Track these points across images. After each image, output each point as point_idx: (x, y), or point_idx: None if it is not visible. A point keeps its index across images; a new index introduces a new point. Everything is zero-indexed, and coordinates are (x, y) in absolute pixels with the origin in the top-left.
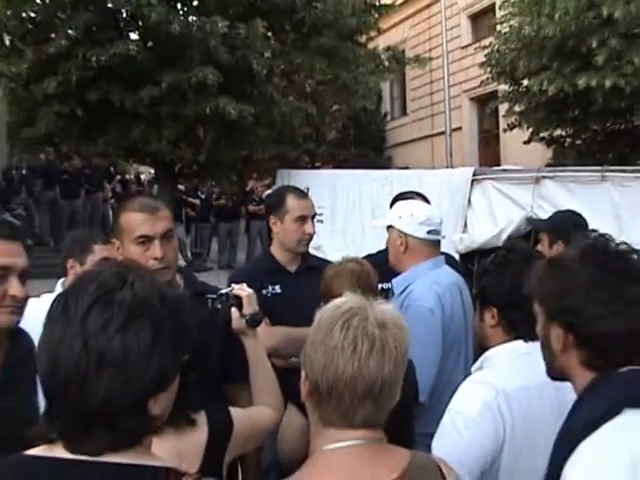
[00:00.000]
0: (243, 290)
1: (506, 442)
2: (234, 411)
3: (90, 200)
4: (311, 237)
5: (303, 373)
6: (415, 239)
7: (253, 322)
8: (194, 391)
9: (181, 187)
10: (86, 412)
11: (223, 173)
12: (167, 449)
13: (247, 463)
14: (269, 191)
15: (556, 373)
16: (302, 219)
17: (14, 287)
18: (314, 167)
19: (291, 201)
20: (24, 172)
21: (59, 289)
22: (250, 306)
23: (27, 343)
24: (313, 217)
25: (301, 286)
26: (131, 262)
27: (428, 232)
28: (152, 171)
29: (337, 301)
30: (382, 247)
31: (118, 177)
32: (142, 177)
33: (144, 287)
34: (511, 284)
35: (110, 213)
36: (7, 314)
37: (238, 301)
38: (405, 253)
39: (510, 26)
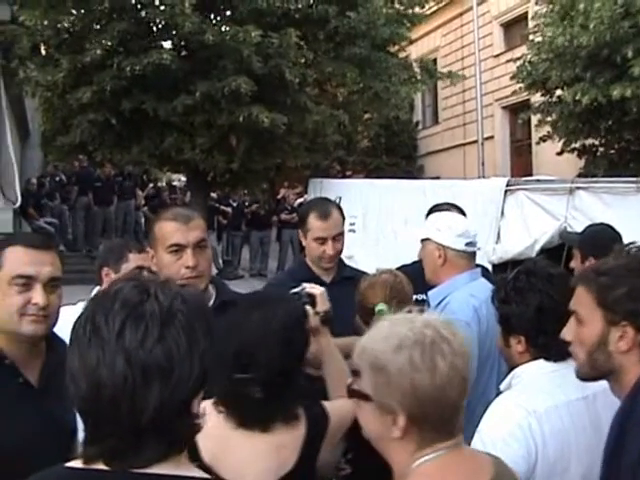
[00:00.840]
0: (316, 288)
1: (538, 462)
2: (327, 405)
3: (122, 207)
4: (333, 257)
5: (401, 417)
6: (453, 251)
7: (327, 319)
8: (301, 386)
9: (213, 195)
10: (139, 427)
11: (255, 181)
12: (270, 443)
13: None
14: (300, 200)
15: (598, 373)
16: (321, 240)
17: (37, 296)
18: (345, 176)
19: (312, 221)
20: (58, 179)
21: None
22: (323, 304)
23: (63, 349)
24: (337, 237)
25: (336, 296)
26: (144, 274)
27: (466, 244)
28: (183, 178)
29: (413, 335)
30: (415, 258)
31: (151, 185)
32: (174, 185)
33: (167, 295)
34: (536, 310)
35: (142, 220)
36: (31, 323)
37: (312, 299)
38: (443, 266)
39: (542, 36)
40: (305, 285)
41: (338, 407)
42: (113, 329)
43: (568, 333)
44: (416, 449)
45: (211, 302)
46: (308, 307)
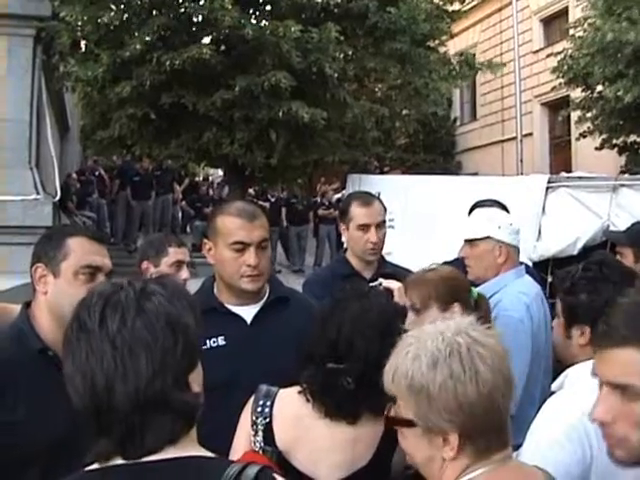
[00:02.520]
0: (393, 283)
1: (593, 466)
2: None
3: (160, 202)
4: (377, 245)
5: (453, 435)
6: (512, 248)
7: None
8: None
9: (250, 190)
10: (139, 404)
11: (293, 177)
12: (348, 435)
13: None
14: (338, 195)
15: None
16: (365, 227)
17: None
18: (382, 172)
19: (354, 208)
20: (97, 174)
21: None
22: (401, 298)
23: None
24: (380, 225)
25: None
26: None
27: (517, 241)
28: (220, 173)
29: (446, 345)
30: (455, 254)
31: (188, 179)
32: (211, 179)
33: (140, 281)
34: (607, 300)
35: (180, 215)
36: None
37: (389, 294)
38: (504, 263)
39: (585, 30)
40: (382, 280)
41: None
42: (95, 320)
43: (605, 411)
44: (469, 464)
45: (265, 298)
46: None
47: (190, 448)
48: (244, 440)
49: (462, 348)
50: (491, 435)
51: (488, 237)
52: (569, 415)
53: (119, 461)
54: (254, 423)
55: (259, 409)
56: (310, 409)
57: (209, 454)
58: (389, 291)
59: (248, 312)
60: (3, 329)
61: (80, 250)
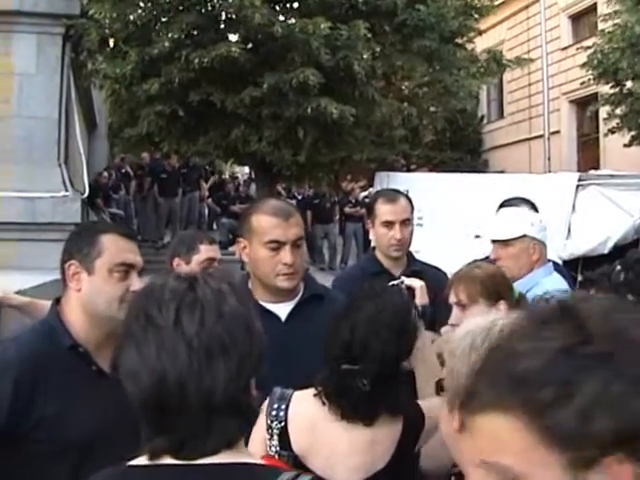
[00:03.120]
0: (416, 281)
1: None
2: (422, 404)
3: (187, 199)
4: (401, 242)
5: (447, 407)
6: (543, 245)
7: (424, 314)
8: (405, 381)
9: (279, 188)
10: (210, 409)
11: (321, 174)
12: (361, 438)
13: None
14: (365, 193)
15: None
16: (389, 224)
17: (136, 284)
18: (409, 170)
19: (379, 206)
20: (123, 171)
21: None
22: (422, 297)
23: None
24: (405, 222)
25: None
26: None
27: (546, 237)
28: (246, 170)
29: (484, 323)
30: (482, 252)
31: (215, 177)
32: (238, 177)
33: (214, 279)
34: None
35: (206, 212)
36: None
37: (411, 292)
38: (538, 261)
39: (615, 24)
40: (404, 279)
41: (432, 407)
42: (168, 317)
43: None
44: None
45: (299, 296)
46: None
47: (243, 453)
48: (259, 444)
49: (495, 328)
50: None
51: (524, 236)
52: None
53: (168, 460)
54: (269, 427)
55: (274, 412)
56: (326, 412)
57: (260, 461)
58: (411, 290)
59: (283, 309)
60: (34, 325)
61: (114, 247)
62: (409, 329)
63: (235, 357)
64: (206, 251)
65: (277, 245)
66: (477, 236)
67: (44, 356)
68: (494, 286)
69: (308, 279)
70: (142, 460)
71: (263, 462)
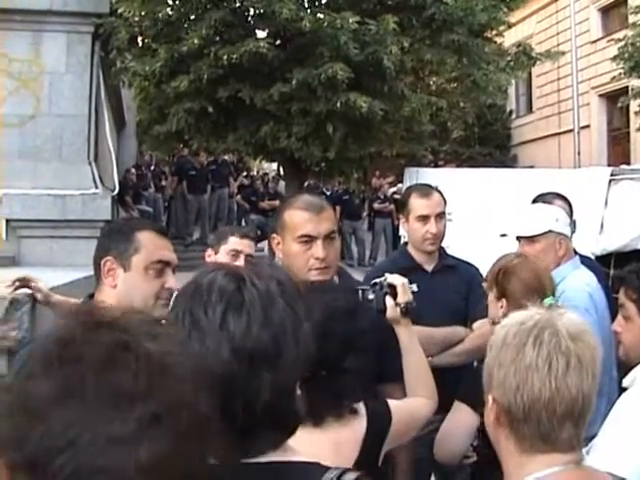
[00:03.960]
0: (397, 278)
1: None
2: (392, 403)
3: (216, 196)
4: (436, 236)
5: (490, 398)
6: (569, 240)
7: (407, 310)
8: (351, 380)
9: (311, 183)
10: (253, 416)
11: (350, 170)
12: (328, 439)
13: (400, 454)
14: (394, 189)
15: None
16: (424, 218)
17: (171, 280)
18: (437, 165)
19: (413, 200)
20: (152, 168)
21: None
22: (404, 295)
23: None
24: (440, 215)
25: (438, 285)
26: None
27: (570, 231)
28: (274, 167)
29: (520, 316)
30: (512, 248)
31: (244, 173)
32: (267, 173)
33: (262, 279)
34: None
35: (235, 208)
36: (163, 307)
37: (392, 290)
38: (564, 256)
39: None
40: (387, 275)
41: (407, 406)
42: (214, 320)
43: None
44: (519, 451)
45: None
46: (388, 298)
47: (288, 452)
48: None
49: (530, 322)
50: (528, 424)
51: (549, 231)
52: None
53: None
54: None
55: None
56: None
57: (306, 459)
58: (393, 287)
59: None
60: None
61: (151, 245)
62: (338, 328)
63: (279, 366)
64: (234, 243)
65: (309, 239)
66: (503, 235)
67: None
68: (538, 283)
69: (343, 274)
70: None
71: (308, 460)
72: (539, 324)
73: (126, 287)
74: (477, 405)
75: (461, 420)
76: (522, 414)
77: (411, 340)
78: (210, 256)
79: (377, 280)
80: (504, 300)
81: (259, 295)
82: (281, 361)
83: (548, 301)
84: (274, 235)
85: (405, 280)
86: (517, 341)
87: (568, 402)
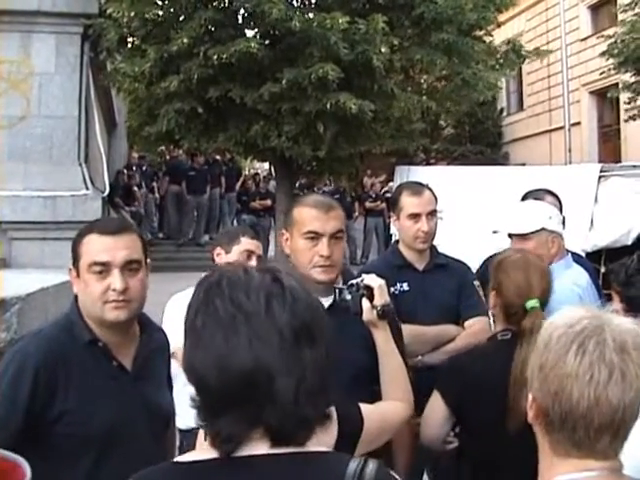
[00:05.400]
0: (374, 280)
1: None
2: (364, 407)
3: (212, 196)
4: (427, 234)
5: (530, 396)
6: (561, 238)
7: (384, 313)
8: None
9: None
10: (297, 398)
11: (341, 169)
12: None
13: (401, 444)
14: (385, 188)
15: None
16: (415, 216)
17: (115, 281)
18: (428, 163)
19: (405, 198)
20: (144, 169)
21: None
22: (381, 297)
23: (158, 337)
24: (431, 213)
25: (429, 284)
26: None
27: (562, 229)
28: (266, 166)
29: (569, 317)
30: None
31: (245, 174)
32: (259, 173)
33: (292, 277)
34: None
35: (227, 208)
36: (113, 309)
37: (369, 292)
38: (557, 254)
39: (636, 14)
40: (364, 276)
41: (380, 410)
42: (259, 304)
43: None
44: (552, 453)
45: None
46: (365, 300)
47: (309, 443)
48: None
49: (577, 326)
50: (563, 427)
51: (542, 229)
52: None
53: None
54: None
55: None
56: None
57: (324, 448)
58: (369, 289)
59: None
60: (56, 320)
61: (90, 248)
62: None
63: (322, 344)
64: (246, 243)
65: (315, 236)
66: (495, 231)
67: (65, 350)
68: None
69: (347, 274)
70: (187, 457)
71: (327, 449)
72: (586, 330)
73: (80, 293)
74: (448, 395)
75: (436, 405)
76: (558, 420)
77: (387, 343)
78: (219, 255)
79: (354, 281)
80: (494, 293)
81: (296, 283)
82: (322, 340)
83: (530, 304)
84: (283, 231)
85: (382, 282)
86: (560, 346)
87: (607, 414)
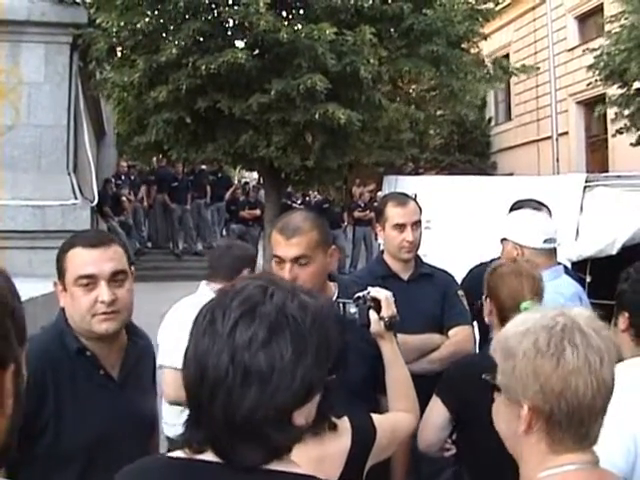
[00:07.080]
0: (381, 292)
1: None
2: (376, 417)
3: (195, 205)
4: (412, 244)
5: (525, 407)
6: (531, 249)
7: (391, 325)
8: (333, 396)
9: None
10: (232, 426)
11: (330, 179)
12: (308, 455)
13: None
14: (375, 197)
15: None
16: (400, 227)
17: (103, 293)
18: (417, 173)
19: (390, 208)
20: (133, 178)
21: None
22: (388, 308)
23: (143, 344)
24: (416, 224)
25: (414, 293)
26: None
27: (544, 241)
28: (255, 176)
29: (539, 320)
30: (494, 256)
31: (236, 185)
32: (248, 182)
33: (285, 299)
34: None
35: (209, 218)
36: (102, 322)
37: (376, 304)
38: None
39: (621, 25)
40: (370, 289)
41: (391, 421)
42: (227, 325)
43: None
44: (548, 452)
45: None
46: (372, 312)
47: (291, 465)
48: None
49: (557, 326)
50: (568, 426)
51: (505, 239)
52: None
53: (208, 457)
54: None
55: None
56: None
57: (296, 470)
58: (376, 301)
59: None
60: (46, 328)
61: (76, 261)
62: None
63: (270, 387)
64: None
65: (279, 260)
66: (504, 239)
67: (54, 358)
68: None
69: (343, 283)
70: (181, 453)
71: (297, 470)
72: (566, 328)
73: (67, 306)
74: (449, 401)
75: (436, 410)
76: (565, 418)
77: (395, 354)
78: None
79: (360, 294)
80: (489, 300)
81: (274, 314)
82: (271, 384)
83: (525, 305)
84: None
85: (389, 294)
86: (554, 349)
87: (605, 395)
